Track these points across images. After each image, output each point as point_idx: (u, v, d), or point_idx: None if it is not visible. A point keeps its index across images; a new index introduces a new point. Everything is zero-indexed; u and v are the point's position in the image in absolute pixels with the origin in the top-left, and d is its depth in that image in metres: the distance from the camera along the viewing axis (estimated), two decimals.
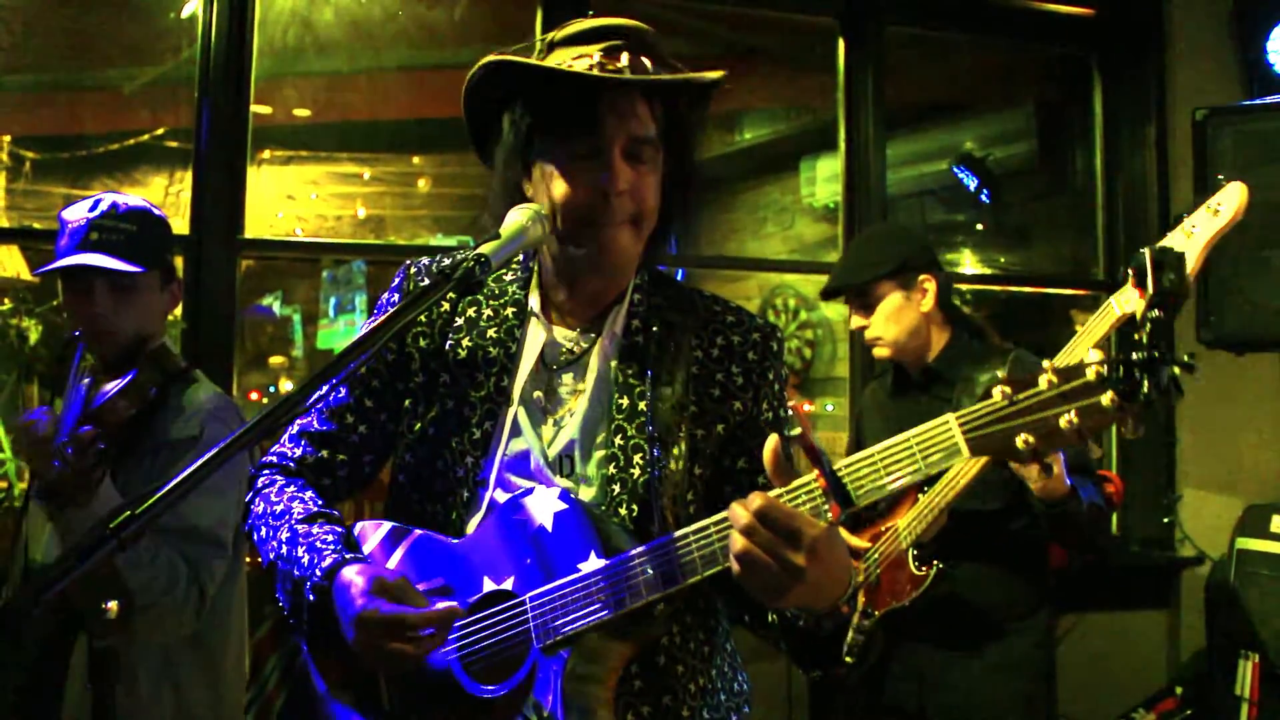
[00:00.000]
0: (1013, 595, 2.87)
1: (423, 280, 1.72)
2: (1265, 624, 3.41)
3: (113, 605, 2.07)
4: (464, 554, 1.60)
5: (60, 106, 4.80)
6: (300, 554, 1.58)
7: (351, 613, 1.47)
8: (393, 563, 1.64)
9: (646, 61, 1.58)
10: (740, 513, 1.34)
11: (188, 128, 3.67)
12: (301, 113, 4.94)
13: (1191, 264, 2.17)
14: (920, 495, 2.74)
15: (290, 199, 5.69)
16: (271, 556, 1.63)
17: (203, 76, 3.60)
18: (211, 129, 3.59)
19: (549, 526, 1.53)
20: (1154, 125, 4.50)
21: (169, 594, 2.19)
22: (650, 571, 1.45)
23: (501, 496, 1.62)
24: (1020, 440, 1.27)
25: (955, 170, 5.12)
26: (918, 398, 3.02)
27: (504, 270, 1.74)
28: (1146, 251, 1.31)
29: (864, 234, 4.07)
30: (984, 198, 5.11)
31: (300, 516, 1.64)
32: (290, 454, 1.76)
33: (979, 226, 5.72)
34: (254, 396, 5.83)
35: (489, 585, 1.57)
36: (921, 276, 2.96)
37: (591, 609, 1.47)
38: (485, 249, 1.45)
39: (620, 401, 1.64)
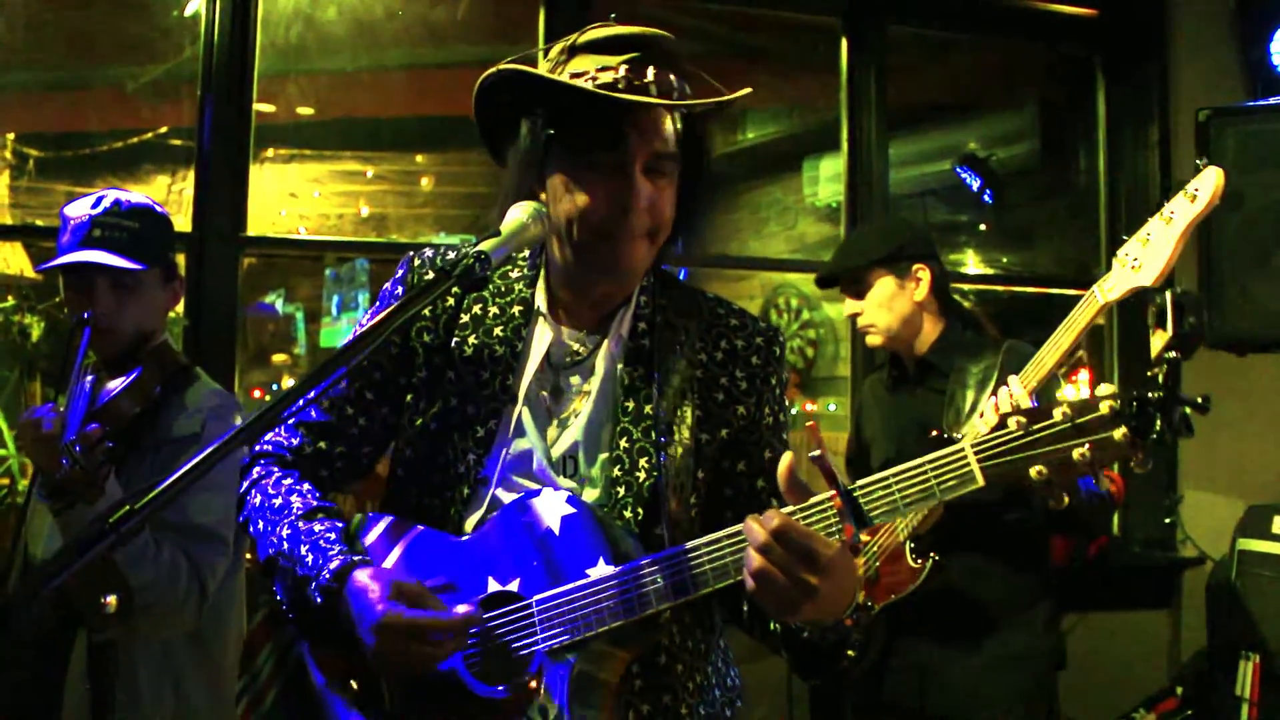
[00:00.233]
0: (1011, 588, 2.87)
1: (427, 273, 1.72)
2: (1266, 624, 3.41)
3: (111, 599, 2.06)
4: (468, 552, 1.60)
5: (63, 104, 4.80)
6: (304, 552, 1.58)
7: (372, 618, 1.46)
8: (393, 557, 1.64)
9: (671, 76, 1.57)
10: (757, 530, 1.35)
11: (190, 126, 3.68)
12: (304, 110, 4.94)
13: (1170, 250, 2.16)
14: None
15: (293, 197, 5.70)
16: (271, 552, 1.62)
17: (205, 74, 3.60)
18: (214, 127, 3.60)
19: (556, 529, 1.54)
20: (1157, 126, 4.49)
21: (170, 591, 2.18)
22: (661, 581, 1.47)
23: (504, 495, 1.63)
24: (1034, 471, 1.31)
25: (958, 170, 5.11)
26: (913, 390, 3.03)
27: (510, 267, 1.74)
28: (1169, 294, 1.34)
29: (861, 225, 4.09)
30: (986, 198, 5.10)
31: (300, 512, 1.63)
32: (286, 444, 1.74)
33: (981, 227, 5.72)
34: (257, 394, 5.84)
35: (494, 585, 1.57)
36: (916, 265, 2.97)
37: (601, 616, 1.49)
38: (485, 245, 1.45)
39: (626, 404, 1.65)
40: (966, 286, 4.96)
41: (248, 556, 2.49)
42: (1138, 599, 4.37)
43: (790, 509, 1.40)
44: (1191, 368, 2.62)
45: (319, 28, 4.40)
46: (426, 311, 1.69)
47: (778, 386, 1.74)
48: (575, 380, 1.68)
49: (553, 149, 1.60)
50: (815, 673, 1.65)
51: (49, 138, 4.87)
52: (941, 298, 3.00)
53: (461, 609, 1.49)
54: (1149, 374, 1.29)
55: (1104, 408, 1.28)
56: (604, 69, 1.55)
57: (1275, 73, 4.24)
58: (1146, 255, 2.20)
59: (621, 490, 1.61)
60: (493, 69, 1.61)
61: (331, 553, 1.56)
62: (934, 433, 2.80)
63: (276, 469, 1.73)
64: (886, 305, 2.97)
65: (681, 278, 1.93)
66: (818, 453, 1.36)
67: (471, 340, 1.69)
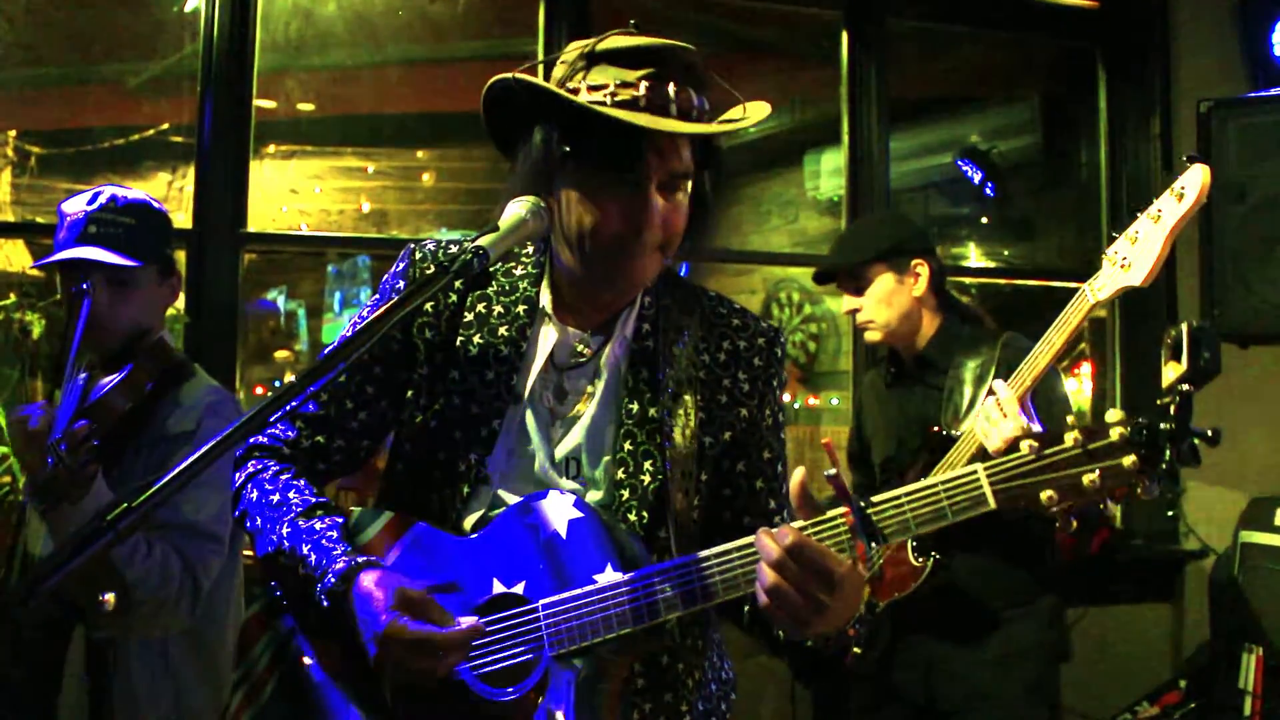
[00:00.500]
0: (1011, 583, 2.88)
1: (428, 267, 1.71)
2: (1269, 617, 3.41)
3: (110, 597, 2.05)
4: (472, 552, 1.60)
5: (63, 101, 4.80)
6: (306, 552, 1.57)
7: (376, 628, 1.46)
8: (395, 555, 1.63)
9: (691, 92, 1.56)
10: (771, 546, 1.36)
11: (191, 122, 3.67)
12: (305, 107, 4.93)
13: (1159, 248, 2.16)
14: None
15: (294, 193, 5.69)
16: (271, 549, 1.61)
17: (205, 71, 3.60)
18: (214, 123, 3.59)
19: (563, 533, 1.54)
20: (1158, 118, 4.49)
21: (163, 589, 2.17)
22: (671, 591, 1.48)
23: (506, 495, 1.62)
24: (1045, 495, 1.33)
25: (959, 163, 5.11)
26: (911, 387, 3.03)
27: (514, 264, 1.74)
28: (1184, 326, 1.37)
29: (858, 220, 4.08)
30: (988, 191, 5.09)
31: (300, 509, 1.62)
32: (282, 437, 1.72)
33: (983, 220, 5.71)
34: (258, 391, 5.84)
35: (498, 587, 1.57)
36: (914, 260, 2.96)
37: (609, 623, 1.49)
38: (484, 241, 1.45)
39: (630, 407, 1.64)
40: (968, 280, 4.96)
41: (246, 553, 2.49)
42: (1141, 592, 4.36)
43: (801, 524, 1.40)
44: None
45: (319, 23, 4.40)
46: (428, 307, 1.68)
47: (778, 387, 1.74)
48: (579, 382, 1.68)
49: (566, 161, 1.58)
50: (815, 677, 1.67)
51: (50, 135, 4.86)
52: (939, 293, 3.00)
53: (466, 621, 1.49)
54: (1160, 403, 1.31)
55: (1114, 434, 1.31)
56: (624, 85, 1.53)
57: (1276, 64, 4.23)
58: (1135, 254, 2.19)
59: (626, 493, 1.61)
60: (509, 74, 1.59)
61: (335, 553, 1.55)
62: (934, 429, 2.80)
63: (273, 463, 1.70)
64: (886, 301, 2.97)
65: (683, 272, 1.93)
66: (833, 471, 1.37)
67: (476, 339, 1.68)
